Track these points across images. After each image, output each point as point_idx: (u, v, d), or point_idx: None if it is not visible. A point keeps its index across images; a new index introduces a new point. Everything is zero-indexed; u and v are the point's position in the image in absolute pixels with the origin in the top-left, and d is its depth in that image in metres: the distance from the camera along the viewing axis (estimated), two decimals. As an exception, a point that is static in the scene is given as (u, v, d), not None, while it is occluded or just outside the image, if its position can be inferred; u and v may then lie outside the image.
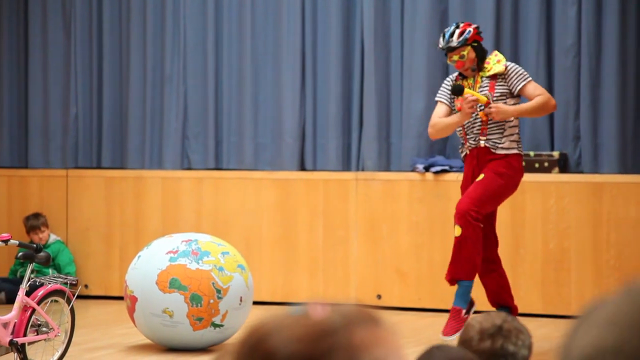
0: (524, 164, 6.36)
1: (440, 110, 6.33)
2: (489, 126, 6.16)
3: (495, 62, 6.23)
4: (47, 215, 8.63)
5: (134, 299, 6.38)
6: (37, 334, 5.69)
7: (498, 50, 6.79)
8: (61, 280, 5.93)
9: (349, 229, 8.10)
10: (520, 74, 6.18)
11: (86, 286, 8.51)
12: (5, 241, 5.51)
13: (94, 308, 8.13)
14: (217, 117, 8.60)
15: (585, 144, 7.79)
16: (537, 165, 7.77)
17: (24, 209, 8.75)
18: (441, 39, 6.27)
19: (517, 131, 6.24)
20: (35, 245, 5.76)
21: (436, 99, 6.41)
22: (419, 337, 6.75)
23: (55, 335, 5.77)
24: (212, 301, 6.30)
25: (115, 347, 6.57)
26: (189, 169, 8.63)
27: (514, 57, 7.99)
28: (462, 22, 6.34)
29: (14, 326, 5.56)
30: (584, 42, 7.76)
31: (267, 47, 8.45)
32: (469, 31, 6.20)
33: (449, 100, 6.30)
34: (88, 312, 7.78)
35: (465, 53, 6.18)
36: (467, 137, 6.25)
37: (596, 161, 7.77)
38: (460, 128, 6.27)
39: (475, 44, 6.21)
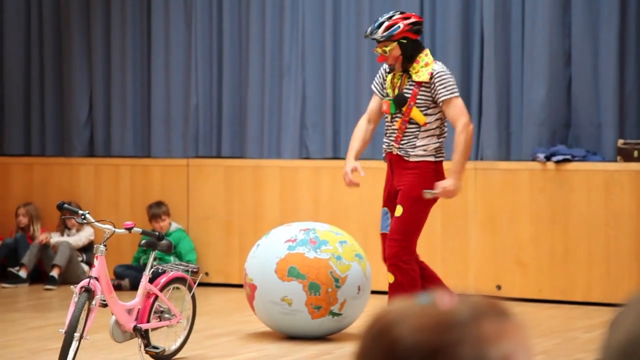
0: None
1: (374, 102, 5.99)
2: (404, 134, 5.78)
3: (423, 65, 5.76)
4: (168, 203, 8.79)
5: (253, 287, 6.44)
6: (160, 321, 5.79)
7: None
8: (182, 267, 6.02)
9: (467, 219, 8.01)
10: (445, 86, 5.69)
11: (206, 274, 8.64)
12: (129, 229, 5.62)
13: (214, 295, 8.25)
14: (335, 106, 8.61)
15: None
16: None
17: (146, 197, 8.93)
18: (370, 27, 5.88)
19: (435, 140, 5.81)
20: (157, 234, 5.85)
21: (372, 86, 6.03)
22: (540, 329, 6.63)
23: (177, 322, 5.87)
24: (330, 290, 6.31)
25: (236, 334, 6.65)
26: (307, 158, 8.66)
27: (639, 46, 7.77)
28: (400, 13, 5.86)
29: (138, 312, 5.67)
30: None
31: (385, 35, 8.41)
32: (398, 27, 5.75)
33: (381, 93, 5.94)
34: (209, 300, 7.89)
35: (387, 49, 5.75)
36: (384, 139, 5.91)
37: None
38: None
39: (404, 41, 5.75)
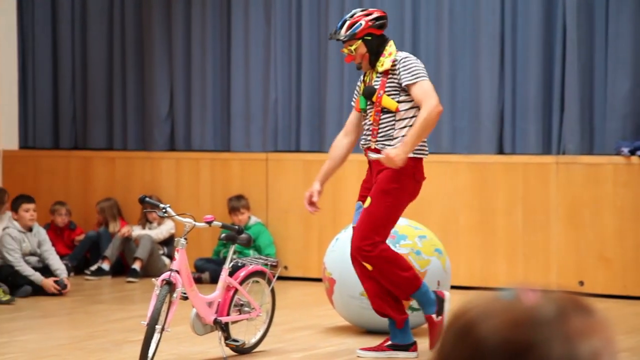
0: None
1: (351, 115, 5.87)
2: (380, 126, 5.61)
3: (387, 55, 5.63)
4: (247, 197, 8.84)
5: (332, 281, 6.44)
6: (240, 314, 5.82)
7: None
8: (262, 261, 6.04)
9: (549, 214, 7.90)
10: (409, 70, 5.54)
11: (286, 268, 8.66)
12: (209, 222, 5.66)
13: (293, 289, 8.27)
14: (414, 100, 8.55)
15: None
16: None
17: (226, 191, 8.99)
18: (334, 28, 5.73)
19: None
20: (237, 227, 5.88)
21: (352, 102, 5.92)
22: (625, 326, 6.51)
23: (257, 315, 5.90)
24: (409, 285, 6.28)
25: (315, 328, 6.65)
26: (386, 152, 8.62)
27: None
28: (362, 10, 5.71)
29: (218, 305, 5.70)
30: None
31: (465, 28, 8.34)
32: (359, 24, 5.62)
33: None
34: (288, 293, 7.92)
35: (353, 48, 5.62)
36: (361, 137, 5.75)
37: None
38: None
39: (369, 37, 5.62)
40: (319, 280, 7.55)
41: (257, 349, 5.94)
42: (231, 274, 5.82)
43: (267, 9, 9.01)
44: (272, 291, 6.02)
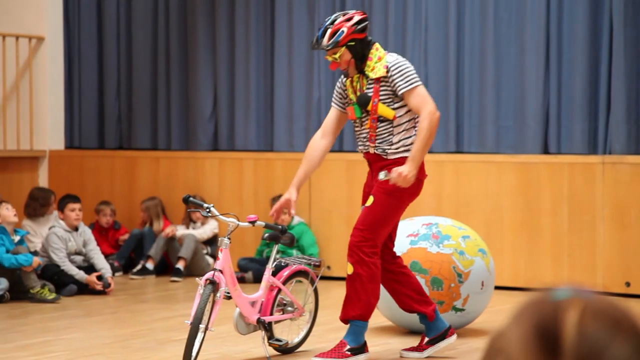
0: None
1: (330, 115, 5.71)
2: (377, 132, 5.47)
3: (377, 60, 5.46)
4: (291, 197, 8.84)
5: (375, 281, 6.41)
6: (283, 313, 5.82)
7: None
8: (305, 261, 6.04)
9: (595, 214, 7.82)
10: (404, 77, 5.41)
11: (329, 267, 8.66)
12: (253, 222, 5.66)
13: (336, 289, 8.26)
14: (458, 100, 8.51)
15: None
16: None
17: (269, 191, 9.01)
18: (315, 36, 5.57)
19: (413, 133, 5.47)
20: (280, 227, 5.88)
21: (332, 102, 5.77)
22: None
23: (300, 315, 5.89)
24: (453, 285, 6.25)
25: (357, 328, 6.63)
26: (430, 152, 8.59)
27: None
28: (343, 15, 5.54)
29: (261, 305, 5.71)
30: None
31: (510, 27, 8.28)
32: (342, 32, 5.46)
33: (341, 105, 5.66)
34: (331, 293, 7.91)
35: (337, 56, 5.48)
36: (357, 140, 5.63)
37: None
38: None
39: (352, 43, 5.47)
40: (362, 280, 7.53)
41: (300, 349, 5.94)
42: (274, 274, 5.83)
43: (311, 7, 9.01)
44: (315, 291, 6.02)
